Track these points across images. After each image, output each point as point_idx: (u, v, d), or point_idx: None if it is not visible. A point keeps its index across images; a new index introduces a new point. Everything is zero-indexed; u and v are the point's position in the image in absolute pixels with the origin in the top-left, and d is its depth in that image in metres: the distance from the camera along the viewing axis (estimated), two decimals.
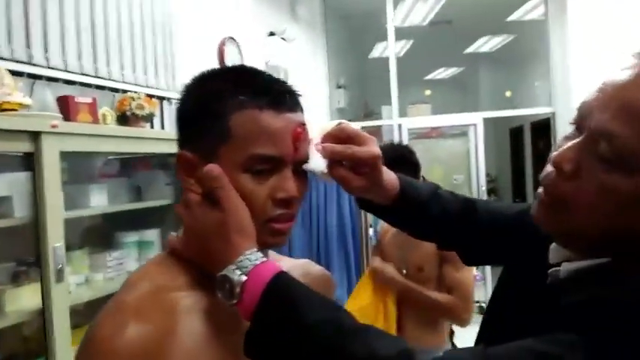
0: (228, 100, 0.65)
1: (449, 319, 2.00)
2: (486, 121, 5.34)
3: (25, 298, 1.57)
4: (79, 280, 1.88)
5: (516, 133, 7.87)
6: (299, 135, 0.67)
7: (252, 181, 0.65)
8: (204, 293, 0.66)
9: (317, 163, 0.71)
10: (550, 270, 0.68)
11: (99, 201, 1.94)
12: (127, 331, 0.58)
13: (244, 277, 0.60)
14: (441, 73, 8.92)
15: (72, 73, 2.11)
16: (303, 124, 0.69)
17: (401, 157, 1.91)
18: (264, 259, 0.62)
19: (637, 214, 0.57)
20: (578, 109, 0.63)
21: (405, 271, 1.96)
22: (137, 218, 2.14)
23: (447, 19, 6.24)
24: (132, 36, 2.47)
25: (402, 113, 5.45)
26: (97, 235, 2.11)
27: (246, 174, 0.65)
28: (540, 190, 0.66)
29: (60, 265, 1.57)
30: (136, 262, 2.10)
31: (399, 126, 5.26)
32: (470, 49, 7.73)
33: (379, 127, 5.71)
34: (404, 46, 7.09)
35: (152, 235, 2.17)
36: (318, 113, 5.19)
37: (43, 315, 1.56)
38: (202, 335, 0.63)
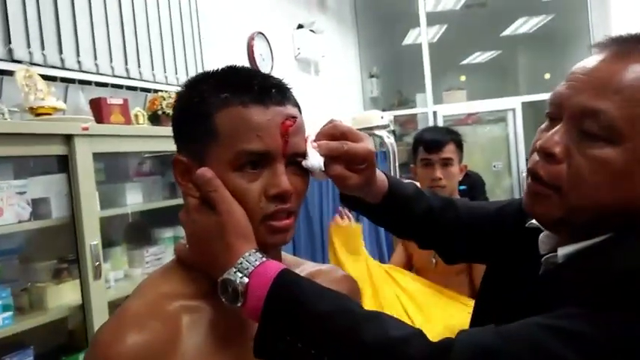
0: (213, 99, 0.65)
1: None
2: (525, 105, 5.17)
3: (66, 294, 1.64)
4: (119, 275, 1.94)
5: None
6: (287, 128, 0.65)
7: (243, 179, 0.64)
8: (210, 302, 0.66)
9: (315, 161, 0.69)
10: (545, 257, 0.69)
11: (134, 199, 1.99)
12: (125, 339, 0.58)
13: (246, 279, 0.59)
14: (477, 58, 8.68)
15: (104, 75, 2.17)
16: (293, 117, 0.67)
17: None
18: (264, 259, 0.61)
19: (631, 184, 0.61)
20: (550, 101, 0.67)
21: (434, 261, 1.91)
22: (172, 214, 2.18)
23: (481, 1, 6.05)
24: (161, 36, 2.52)
25: (437, 100, 5.34)
26: (135, 232, 2.17)
27: (236, 172, 0.64)
28: (529, 180, 0.68)
29: (97, 262, 1.63)
30: (172, 256, 2.13)
31: (434, 113, 5.17)
32: (507, 32, 7.48)
33: (414, 115, 5.63)
34: (437, 31, 6.93)
35: None
36: (351, 104, 5.15)
37: (83, 310, 1.63)
38: (206, 345, 0.63)
